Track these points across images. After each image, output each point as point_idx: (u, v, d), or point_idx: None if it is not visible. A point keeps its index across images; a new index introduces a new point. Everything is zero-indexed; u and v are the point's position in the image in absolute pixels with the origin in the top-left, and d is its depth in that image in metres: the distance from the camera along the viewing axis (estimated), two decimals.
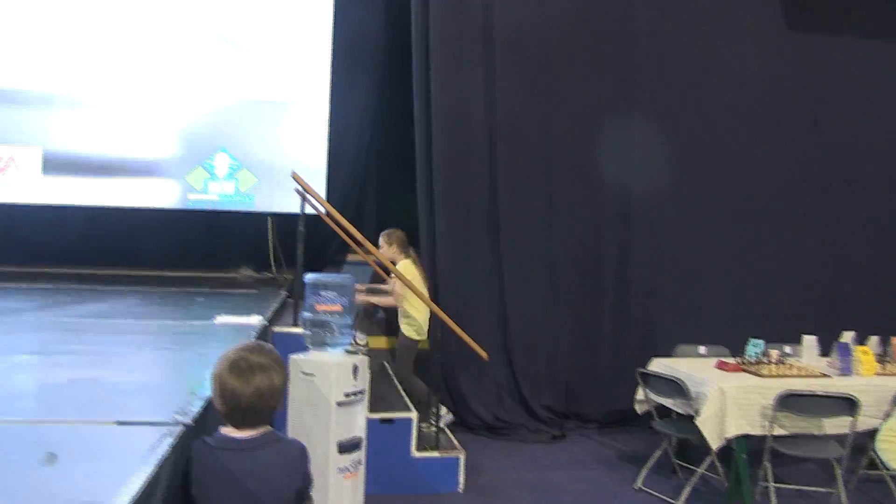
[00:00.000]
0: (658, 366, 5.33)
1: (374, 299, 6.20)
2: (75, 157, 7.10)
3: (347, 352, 3.82)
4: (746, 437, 4.60)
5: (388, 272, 6.05)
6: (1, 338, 4.04)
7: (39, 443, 2.16)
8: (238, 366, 2.14)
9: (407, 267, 5.77)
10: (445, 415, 5.90)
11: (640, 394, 5.32)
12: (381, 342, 6.88)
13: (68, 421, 2.40)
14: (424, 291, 5.62)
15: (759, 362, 5.08)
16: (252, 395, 2.14)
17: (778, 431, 4.56)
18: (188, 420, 2.32)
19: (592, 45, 6.71)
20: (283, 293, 6.25)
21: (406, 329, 5.92)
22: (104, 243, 7.18)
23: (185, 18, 7.24)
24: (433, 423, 5.32)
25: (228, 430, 2.22)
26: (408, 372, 5.90)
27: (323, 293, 3.83)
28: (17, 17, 7.12)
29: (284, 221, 6.96)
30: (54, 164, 7.10)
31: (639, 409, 5.44)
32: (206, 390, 2.58)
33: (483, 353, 5.17)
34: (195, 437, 2.28)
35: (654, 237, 6.78)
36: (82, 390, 2.82)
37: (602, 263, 6.76)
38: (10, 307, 5.18)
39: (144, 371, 3.32)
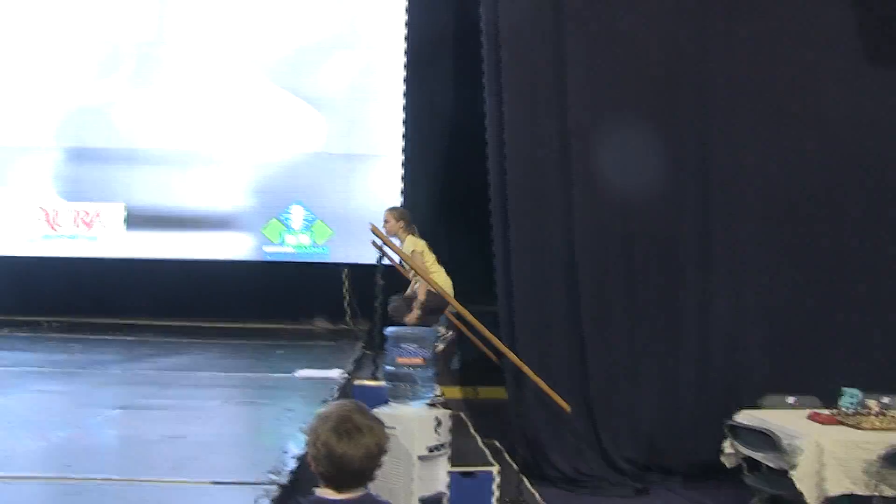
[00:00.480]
0: (746, 417, 5.13)
1: (420, 298, 5.72)
2: (157, 212, 7.31)
3: (429, 405, 3.77)
4: (850, 495, 4.37)
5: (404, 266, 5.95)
6: (91, 390, 4.12)
7: (139, 502, 2.16)
8: (344, 427, 2.09)
9: (414, 241, 5.76)
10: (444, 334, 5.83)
11: (727, 446, 5.11)
12: (455, 392, 6.82)
13: (165, 479, 2.41)
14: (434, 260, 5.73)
15: (856, 414, 4.84)
16: (362, 457, 2.08)
17: (887, 491, 4.31)
18: (283, 480, 2.30)
19: (669, 86, 6.63)
20: (361, 345, 6.26)
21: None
22: (184, 296, 7.32)
23: (260, 73, 7.45)
24: None
25: (325, 492, 2.17)
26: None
27: (404, 346, 3.80)
28: (98, 79, 7.43)
29: (358, 272, 7.01)
30: (137, 219, 7.32)
31: (726, 461, 5.22)
32: (296, 448, 2.56)
33: (564, 405, 5.06)
34: (290, 497, 2.25)
35: (736, 283, 6.58)
36: (174, 447, 2.84)
37: (683, 311, 6.58)
38: (96, 359, 5.30)
39: (232, 426, 3.33)
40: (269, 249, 7.32)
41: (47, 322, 7.17)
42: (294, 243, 7.32)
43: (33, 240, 7.35)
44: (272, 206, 7.35)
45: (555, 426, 6.28)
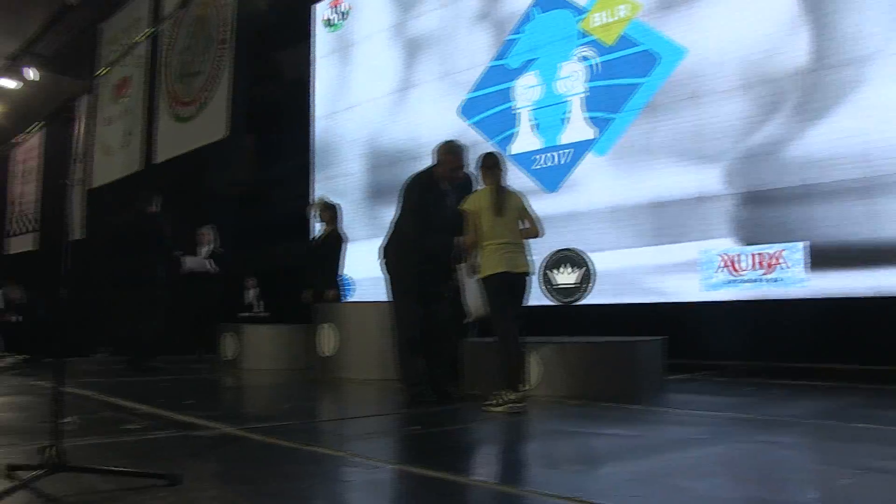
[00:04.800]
0: None
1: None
2: (842, 248, 6.79)
3: None
4: None
5: None
6: (816, 443, 3.85)
7: None
8: None
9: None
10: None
11: None
12: None
13: None
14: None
15: None
16: None
17: None
18: None
19: None
20: None
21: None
22: (877, 337, 6.64)
23: None
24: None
25: None
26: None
27: None
28: (762, 119, 7.32)
29: None
30: (820, 258, 6.92)
31: None
32: None
33: None
34: None
35: None
36: None
37: None
38: (803, 407, 5.03)
39: None
40: None
41: (734, 366, 7.22)
42: None
43: (716, 286, 7.51)
44: None
45: None
